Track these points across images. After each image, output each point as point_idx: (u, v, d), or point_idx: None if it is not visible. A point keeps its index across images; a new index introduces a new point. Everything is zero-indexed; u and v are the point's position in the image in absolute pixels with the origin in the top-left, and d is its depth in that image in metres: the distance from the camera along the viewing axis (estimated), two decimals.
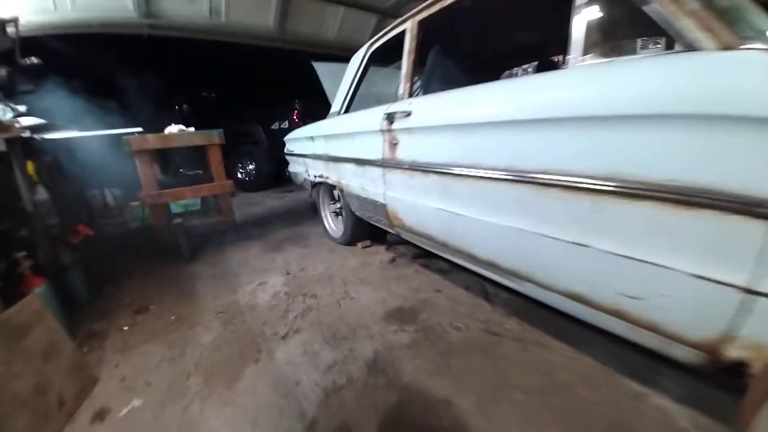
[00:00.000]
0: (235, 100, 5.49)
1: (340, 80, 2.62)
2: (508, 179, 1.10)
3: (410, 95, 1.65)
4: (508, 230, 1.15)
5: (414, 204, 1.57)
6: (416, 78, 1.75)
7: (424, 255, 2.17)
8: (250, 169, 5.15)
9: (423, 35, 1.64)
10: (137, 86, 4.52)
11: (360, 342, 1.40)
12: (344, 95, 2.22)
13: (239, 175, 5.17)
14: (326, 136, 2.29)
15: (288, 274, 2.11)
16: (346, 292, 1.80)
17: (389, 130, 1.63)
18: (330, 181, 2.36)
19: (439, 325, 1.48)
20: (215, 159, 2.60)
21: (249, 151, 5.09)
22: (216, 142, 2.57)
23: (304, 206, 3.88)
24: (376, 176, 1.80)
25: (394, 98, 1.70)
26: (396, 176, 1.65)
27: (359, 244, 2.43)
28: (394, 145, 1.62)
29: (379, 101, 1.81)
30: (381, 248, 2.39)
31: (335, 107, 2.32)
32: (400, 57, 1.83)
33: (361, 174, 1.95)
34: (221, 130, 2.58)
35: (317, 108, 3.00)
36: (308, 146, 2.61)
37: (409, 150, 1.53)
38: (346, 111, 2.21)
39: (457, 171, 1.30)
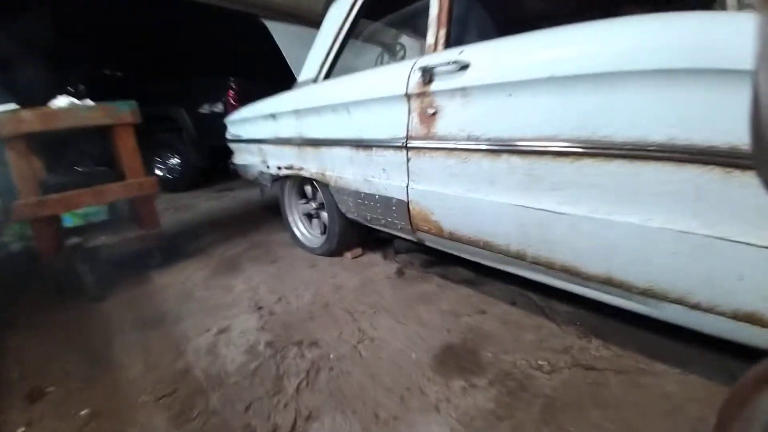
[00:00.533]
0: (149, 77, 4.24)
1: (303, 44, 2.00)
2: (682, 158, 0.71)
3: (447, 44, 1.16)
4: (665, 236, 0.76)
5: (465, 200, 1.10)
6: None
7: (437, 262, 1.73)
8: (173, 164, 4.04)
9: None
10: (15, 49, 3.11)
11: (421, 421, 0.90)
12: (323, 55, 1.62)
13: (158, 172, 4.04)
14: (298, 112, 1.67)
15: (260, 309, 1.47)
16: (362, 331, 1.26)
17: (423, 95, 1.13)
18: (305, 173, 1.75)
19: (516, 368, 1.05)
20: (127, 146, 1.76)
21: (170, 142, 3.98)
22: (128, 120, 1.73)
23: (255, 207, 3.10)
24: (393, 163, 1.28)
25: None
26: (431, 161, 1.16)
27: (348, 254, 1.88)
28: (430, 115, 1.12)
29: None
30: (376, 256, 1.87)
31: (308, 73, 1.71)
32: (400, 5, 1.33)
33: (363, 161, 1.41)
34: (134, 102, 1.75)
35: (261, 89, 2.28)
36: (267, 127, 1.94)
37: (462, 120, 1.05)
38: (328, 76, 1.63)
39: (563, 148, 0.87)
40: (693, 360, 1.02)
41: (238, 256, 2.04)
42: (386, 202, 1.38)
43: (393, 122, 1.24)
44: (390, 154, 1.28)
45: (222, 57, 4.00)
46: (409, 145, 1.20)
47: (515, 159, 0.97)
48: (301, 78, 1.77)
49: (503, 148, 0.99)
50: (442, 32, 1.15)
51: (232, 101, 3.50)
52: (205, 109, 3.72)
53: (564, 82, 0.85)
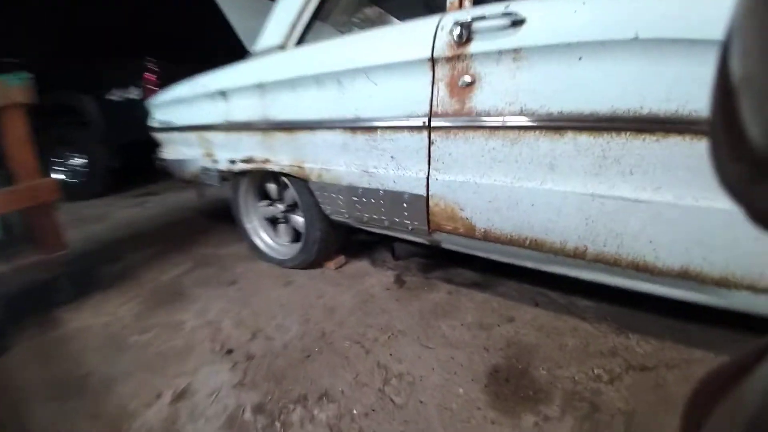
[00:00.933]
0: (51, 62, 3.20)
1: (254, 11, 1.63)
2: None
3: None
4: None
5: (511, 191, 0.89)
6: None
7: (437, 264, 1.51)
8: (77, 166, 3.11)
9: None
10: None
11: None
12: (294, 15, 1.26)
13: (56, 175, 3.07)
14: (262, 87, 1.29)
15: (230, 353, 1.07)
16: (383, 367, 0.97)
17: (455, 59, 0.88)
18: (272, 167, 1.37)
19: (577, 384, 0.88)
20: (16, 136, 1.17)
21: (72, 138, 3.05)
22: (18, 100, 1.15)
23: (193, 214, 2.51)
24: (408, 148, 1.02)
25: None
26: (465, 144, 0.92)
27: (330, 264, 1.55)
28: (465, 85, 0.89)
29: None
30: (363, 264, 1.58)
31: (270, 39, 1.33)
32: None
33: (362, 148, 1.11)
34: (25, 75, 1.17)
35: (187, 70, 1.79)
36: (213, 109, 1.50)
37: (512, 90, 0.83)
38: (301, 42, 1.28)
39: (647, 123, 0.71)
40: (721, 342, 0.98)
41: (181, 279, 1.56)
42: (394, 198, 1.10)
43: (409, 96, 0.97)
44: (404, 137, 1.01)
45: (137, 34, 3.22)
46: (433, 125, 0.95)
47: (584, 138, 0.79)
48: (259, 46, 1.38)
49: (569, 125, 0.80)
50: None
51: (150, 85, 2.81)
52: (116, 95, 2.95)
53: (652, 46, 0.69)
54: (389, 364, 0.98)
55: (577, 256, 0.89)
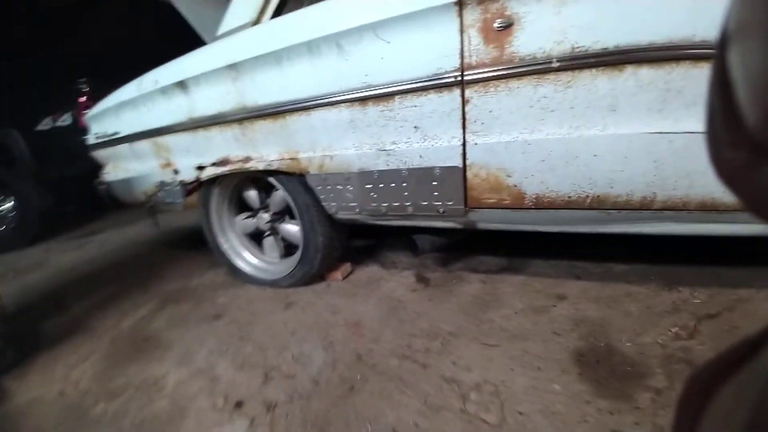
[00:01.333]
0: None
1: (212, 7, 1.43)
2: None
3: None
4: None
5: (569, 142, 0.78)
6: None
7: (453, 257, 1.36)
8: (4, 211, 2.56)
9: None
10: None
11: None
12: None
13: None
14: (236, 68, 1.06)
15: (240, 406, 0.81)
16: (451, 381, 0.77)
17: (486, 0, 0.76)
18: (256, 165, 1.14)
19: (665, 347, 0.78)
20: None
21: None
22: None
23: (149, 248, 2.07)
24: (437, 113, 0.87)
25: None
26: (509, 96, 0.79)
27: (336, 274, 1.32)
28: (501, 29, 0.76)
29: None
30: (373, 269, 1.36)
31: (238, 18, 1.12)
32: None
33: (375, 122, 0.94)
34: None
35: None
36: (170, 106, 1.23)
37: (558, 28, 0.73)
38: (277, 15, 1.08)
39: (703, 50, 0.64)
40: (753, 279, 0.96)
41: (147, 322, 1.23)
42: (422, 176, 0.94)
43: (432, 50, 0.82)
44: (430, 99, 0.86)
45: (66, 55, 2.79)
46: (466, 79, 0.81)
47: (645, 71, 0.71)
48: (225, 28, 1.16)
49: (627, 59, 0.71)
50: None
51: (85, 110, 2.41)
52: (46, 124, 2.51)
53: None
54: (458, 376, 0.79)
55: (644, 207, 0.80)
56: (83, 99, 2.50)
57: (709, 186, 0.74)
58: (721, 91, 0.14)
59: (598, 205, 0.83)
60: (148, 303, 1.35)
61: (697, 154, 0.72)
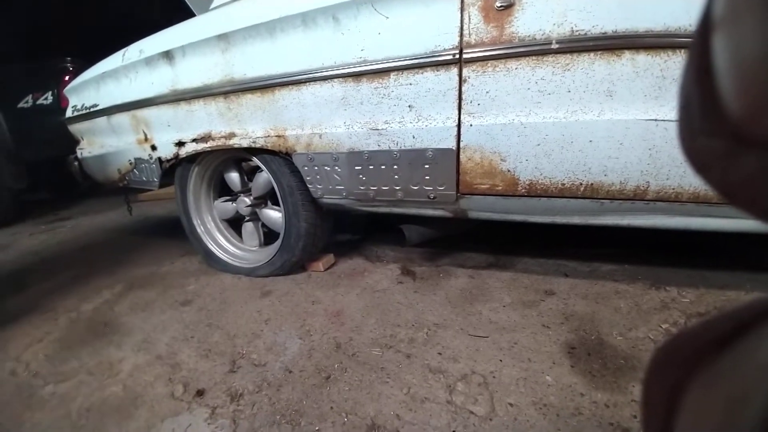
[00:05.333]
0: None
1: None
2: None
3: None
4: None
5: (565, 127, 0.76)
6: None
7: (441, 252, 1.32)
8: None
9: None
10: None
11: None
12: None
13: None
14: (226, 38, 1.02)
15: (201, 395, 0.74)
16: (436, 371, 0.72)
17: None
18: (241, 142, 1.08)
19: (657, 342, 0.75)
20: None
21: None
22: None
23: (120, 234, 1.95)
24: (433, 92, 0.84)
25: None
26: (507, 77, 0.78)
27: (318, 265, 1.25)
28: (502, 7, 0.75)
29: None
30: (357, 262, 1.31)
31: None
32: None
33: (368, 100, 0.90)
34: None
35: None
36: (153, 79, 1.16)
37: (558, 9, 0.72)
38: None
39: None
40: (738, 281, 0.97)
41: (109, 306, 1.13)
42: (414, 159, 0.91)
43: (432, 27, 0.80)
44: (426, 78, 0.83)
45: (54, 31, 2.69)
46: (465, 58, 0.79)
47: (642, 57, 0.71)
48: (217, 2, 1.12)
49: (626, 44, 0.71)
50: None
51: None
52: (27, 102, 2.38)
53: None
54: (444, 366, 0.74)
55: (637, 197, 0.79)
56: (67, 77, 2.39)
57: None
58: (700, 78, 0.14)
59: (592, 193, 0.81)
60: (113, 287, 1.25)
61: None
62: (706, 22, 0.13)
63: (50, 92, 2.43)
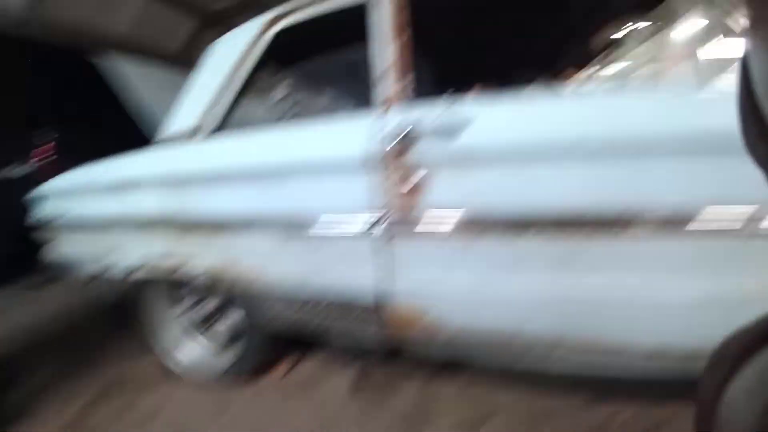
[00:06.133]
0: None
1: (164, 88, 1.46)
2: None
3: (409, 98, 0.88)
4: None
5: (481, 288, 0.82)
6: None
7: (388, 360, 1.35)
8: None
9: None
10: None
11: None
12: (211, 100, 1.11)
13: None
14: (175, 179, 1.08)
15: None
16: None
17: (399, 156, 0.81)
18: (189, 270, 1.13)
19: None
20: None
21: None
22: None
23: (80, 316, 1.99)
24: (357, 251, 0.90)
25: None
26: (421, 246, 0.84)
27: (277, 370, 1.29)
28: (412, 187, 0.82)
29: None
30: (314, 365, 1.34)
31: (185, 122, 1.16)
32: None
33: (305, 250, 0.96)
34: None
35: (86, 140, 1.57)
36: (113, 204, 1.23)
37: (464, 192, 0.79)
38: (220, 128, 1.12)
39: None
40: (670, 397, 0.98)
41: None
42: (347, 307, 0.95)
43: (351, 196, 0.87)
44: (347, 242, 0.89)
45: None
46: (384, 225, 0.85)
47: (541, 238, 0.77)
48: (169, 131, 1.19)
49: (524, 226, 0.77)
50: (403, 82, 0.88)
51: (49, 156, 2.41)
52: (15, 172, 2.49)
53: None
54: None
55: (557, 348, 0.84)
56: (46, 148, 2.47)
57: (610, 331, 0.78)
58: (746, 97, 0.19)
59: (510, 346, 0.86)
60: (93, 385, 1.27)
61: (597, 307, 0.77)
62: (746, 53, 0.19)
63: (28, 161, 2.50)
